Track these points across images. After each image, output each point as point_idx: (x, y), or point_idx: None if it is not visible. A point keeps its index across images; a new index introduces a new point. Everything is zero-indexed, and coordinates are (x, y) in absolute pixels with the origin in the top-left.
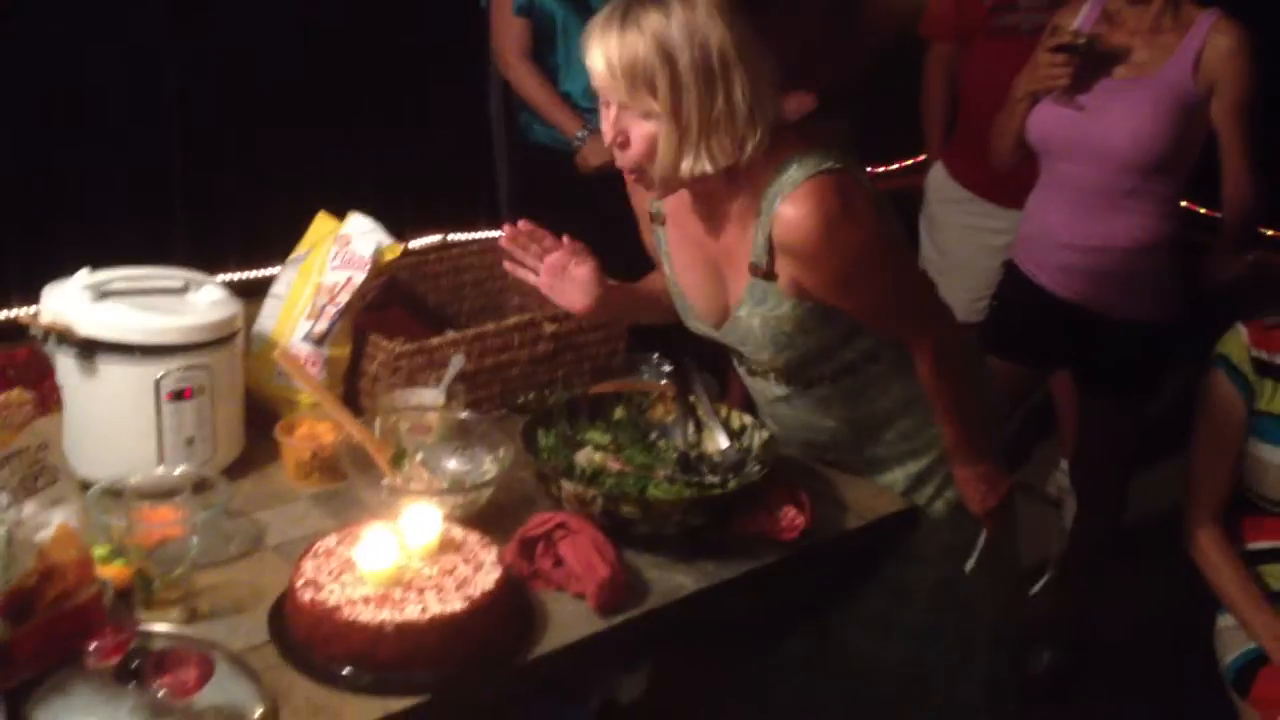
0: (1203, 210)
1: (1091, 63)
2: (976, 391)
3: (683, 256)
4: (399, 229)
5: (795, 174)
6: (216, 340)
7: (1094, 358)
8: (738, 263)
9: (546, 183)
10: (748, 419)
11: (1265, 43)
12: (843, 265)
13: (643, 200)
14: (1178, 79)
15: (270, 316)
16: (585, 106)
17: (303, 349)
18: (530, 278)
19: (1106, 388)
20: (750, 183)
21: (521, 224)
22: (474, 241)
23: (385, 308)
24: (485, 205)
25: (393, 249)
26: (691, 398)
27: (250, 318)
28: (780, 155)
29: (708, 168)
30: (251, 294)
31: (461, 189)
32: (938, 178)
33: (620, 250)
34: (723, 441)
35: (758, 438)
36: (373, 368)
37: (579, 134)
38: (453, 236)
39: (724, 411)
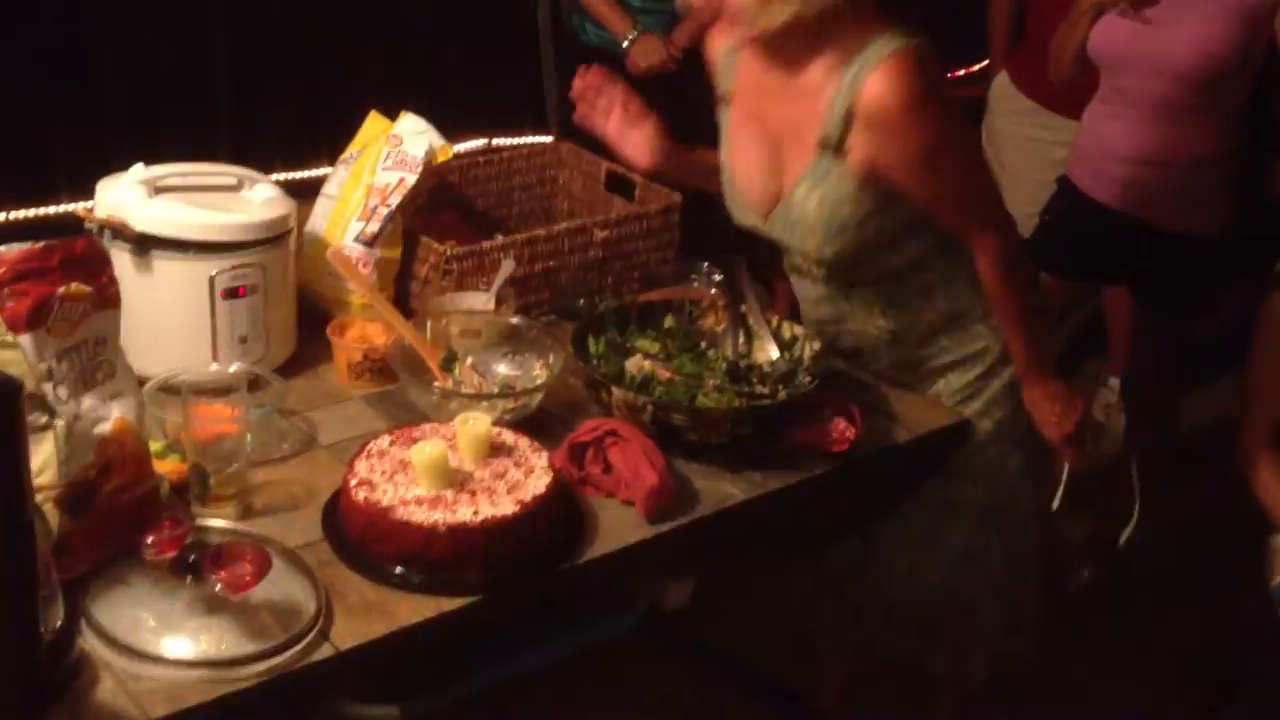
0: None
1: None
2: (1042, 303)
3: (742, 138)
4: (447, 132)
5: (882, 47)
6: (270, 239)
7: (1150, 271)
8: (803, 138)
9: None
10: (799, 329)
11: None
12: (925, 140)
13: (713, 76)
14: None
15: (322, 216)
16: (636, 5)
17: (354, 250)
18: (600, 126)
19: (1163, 301)
20: (834, 51)
21: (593, 72)
22: (523, 146)
23: (436, 210)
24: (533, 110)
25: (445, 150)
26: (743, 307)
27: (301, 219)
28: (865, 29)
29: (791, 14)
30: (299, 195)
31: (509, 93)
32: (1001, 87)
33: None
34: (773, 352)
35: (808, 349)
36: (424, 270)
37: (629, 35)
38: (498, 141)
39: (775, 322)
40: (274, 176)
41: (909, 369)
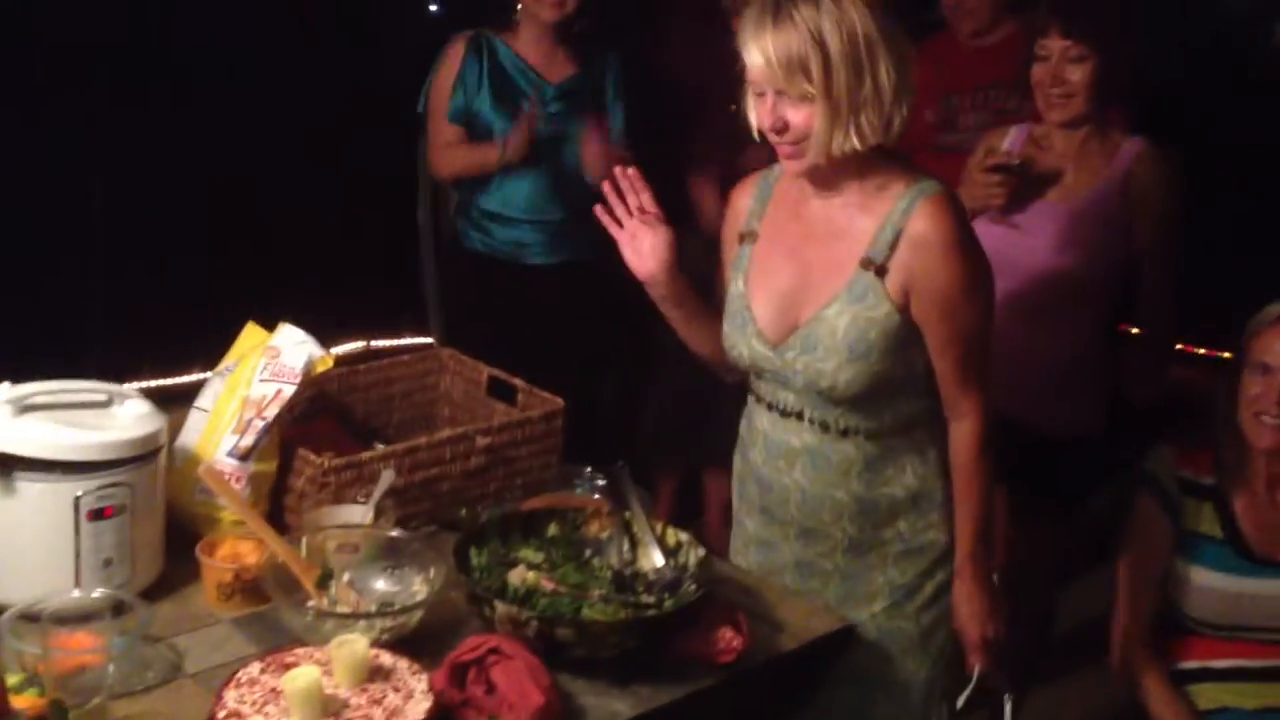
0: (1135, 330)
1: (1023, 183)
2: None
3: (766, 268)
4: (325, 334)
5: (927, 186)
6: (139, 456)
7: (1024, 470)
8: (840, 258)
9: (483, 291)
10: (683, 536)
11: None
12: (962, 273)
13: (735, 223)
14: (1105, 202)
15: (194, 431)
16: (519, 218)
17: (228, 464)
18: (614, 229)
19: (1036, 499)
20: (880, 186)
21: (632, 170)
22: (404, 351)
23: (312, 420)
24: (410, 311)
25: (324, 361)
26: (626, 513)
27: (173, 429)
28: (904, 171)
29: (857, 144)
30: (171, 402)
31: (389, 294)
32: None
33: (560, 348)
34: (658, 559)
35: (693, 555)
36: (300, 483)
37: (499, 145)
38: (377, 343)
39: (659, 528)
40: (144, 384)
41: (858, 554)
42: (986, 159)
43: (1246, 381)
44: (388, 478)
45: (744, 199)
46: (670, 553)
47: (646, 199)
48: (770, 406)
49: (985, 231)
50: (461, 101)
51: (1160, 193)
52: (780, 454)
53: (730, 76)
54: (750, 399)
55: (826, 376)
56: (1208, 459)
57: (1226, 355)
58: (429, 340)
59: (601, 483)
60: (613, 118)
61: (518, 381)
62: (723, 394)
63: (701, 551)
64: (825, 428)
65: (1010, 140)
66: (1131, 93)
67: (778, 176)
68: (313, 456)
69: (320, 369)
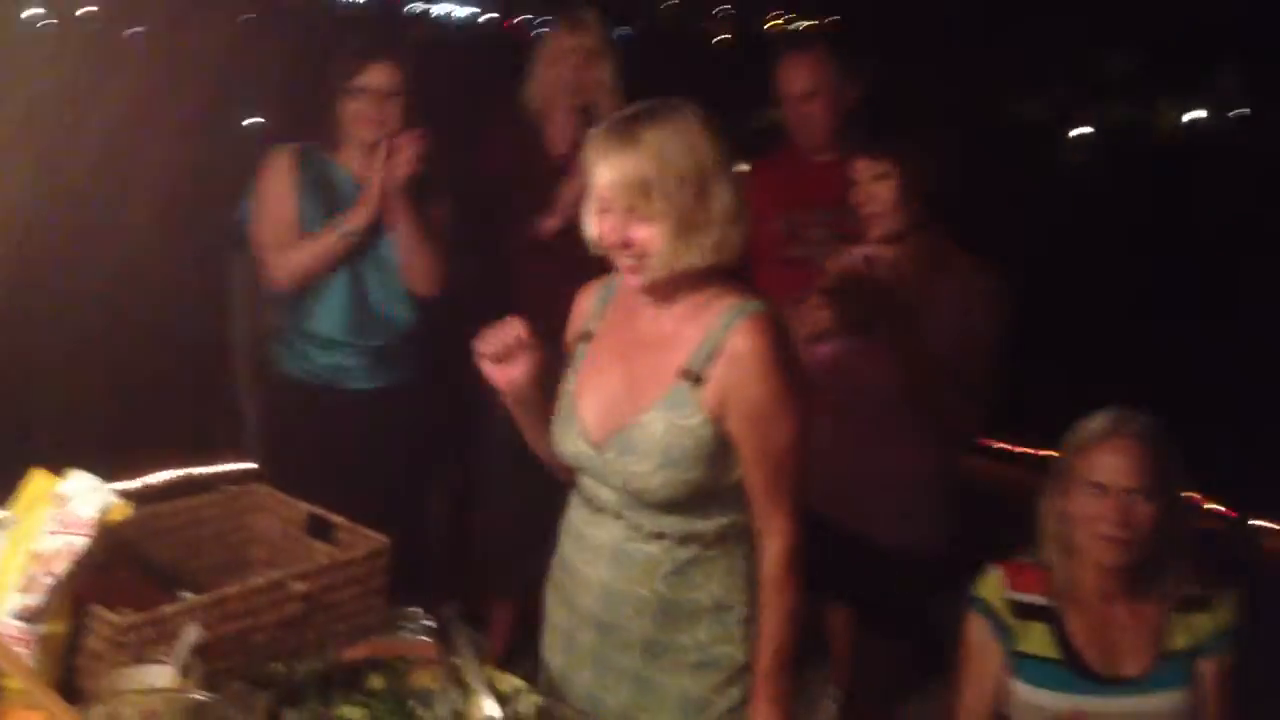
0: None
1: (862, 305)
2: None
3: (596, 370)
4: (136, 464)
5: (749, 305)
6: None
7: (867, 586)
8: (663, 367)
9: (302, 418)
10: (518, 682)
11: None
12: (773, 392)
13: (577, 324)
14: (937, 320)
15: None
16: (340, 340)
17: (12, 627)
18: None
19: (881, 616)
20: (708, 301)
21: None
22: (226, 478)
23: (111, 570)
24: (227, 440)
25: (120, 508)
26: (456, 660)
27: None
28: (732, 287)
29: (696, 262)
30: None
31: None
32: None
33: (384, 475)
34: (491, 709)
35: (529, 702)
36: (95, 644)
37: (340, 225)
38: (197, 470)
39: (490, 674)
40: None
41: (652, 656)
42: (823, 284)
43: (1079, 502)
44: (192, 633)
45: (587, 301)
46: (504, 700)
47: (521, 330)
48: (587, 501)
49: (825, 353)
50: (304, 212)
51: (989, 311)
52: (587, 547)
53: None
54: (573, 493)
55: (640, 479)
56: (1038, 577)
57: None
58: (253, 465)
59: (429, 624)
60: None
61: (338, 519)
62: (558, 514)
63: (537, 698)
64: (637, 528)
65: (849, 262)
66: (940, 206)
67: (618, 284)
68: (107, 613)
69: (116, 517)
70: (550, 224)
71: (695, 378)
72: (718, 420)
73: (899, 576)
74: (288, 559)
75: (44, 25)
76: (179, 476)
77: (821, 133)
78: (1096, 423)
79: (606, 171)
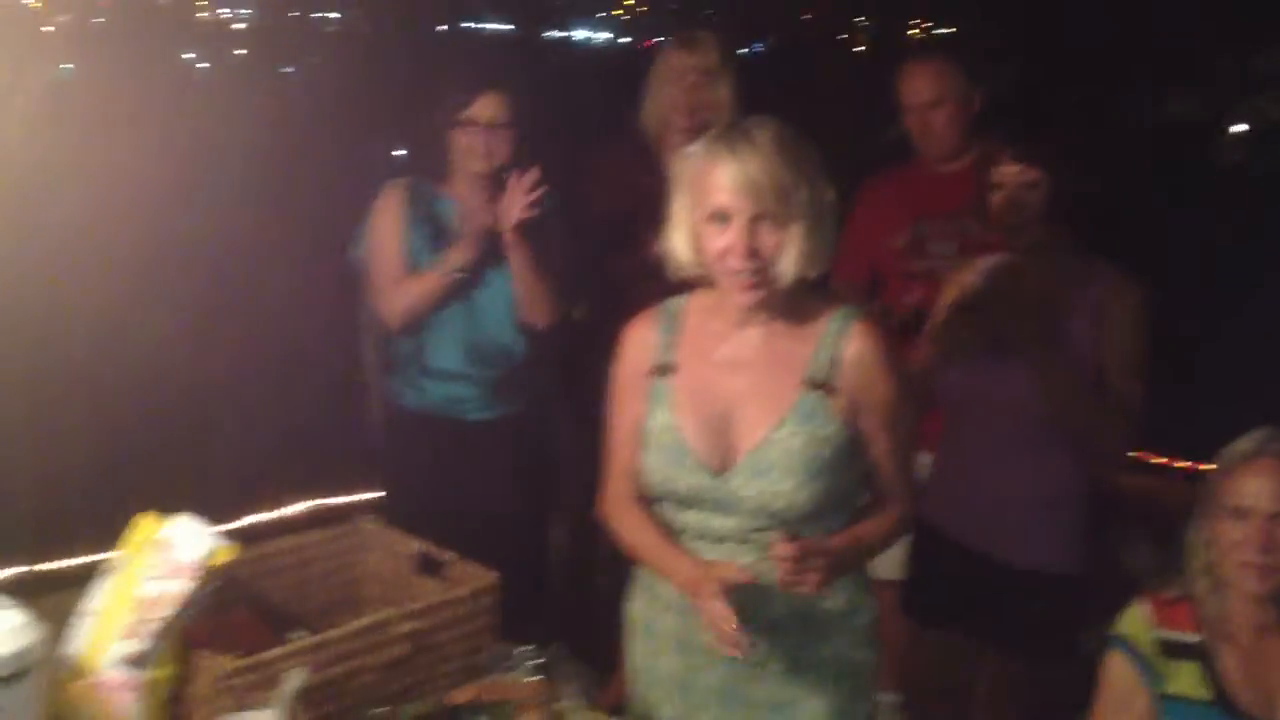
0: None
1: (997, 319)
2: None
3: (696, 396)
4: (272, 495)
5: (852, 312)
6: (9, 677)
7: (1009, 617)
8: (778, 383)
9: (422, 450)
10: None
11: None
12: (897, 388)
13: (641, 358)
14: (1078, 335)
15: (81, 638)
16: (457, 372)
17: (119, 673)
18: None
19: (1021, 652)
20: (812, 303)
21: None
22: (359, 508)
23: (225, 610)
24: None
25: (225, 552)
26: (562, 703)
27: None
28: (825, 300)
29: (821, 268)
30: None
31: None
32: None
33: (504, 506)
34: None
35: None
36: (200, 689)
37: (449, 261)
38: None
39: (597, 718)
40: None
41: (792, 677)
42: (957, 300)
43: (1222, 528)
44: (296, 678)
45: (649, 334)
46: None
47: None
48: (696, 537)
49: (959, 371)
50: (413, 247)
51: (1128, 326)
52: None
53: (656, 209)
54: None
55: (784, 497)
56: (1187, 613)
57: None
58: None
59: (539, 663)
60: (552, 252)
61: (447, 555)
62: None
63: None
64: (767, 549)
65: (979, 274)
66: (1086, 215)
67: (681, 310)
68: (210, 658)
69: (220, 560)
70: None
71: (825, 387)
72: (850, 424)
73: (1044, 603)
74: (397, 597)
75: (200, 68)
76: (318, 507)
77: (946, 142)
78: (1242, 444)
79: (729, 177)
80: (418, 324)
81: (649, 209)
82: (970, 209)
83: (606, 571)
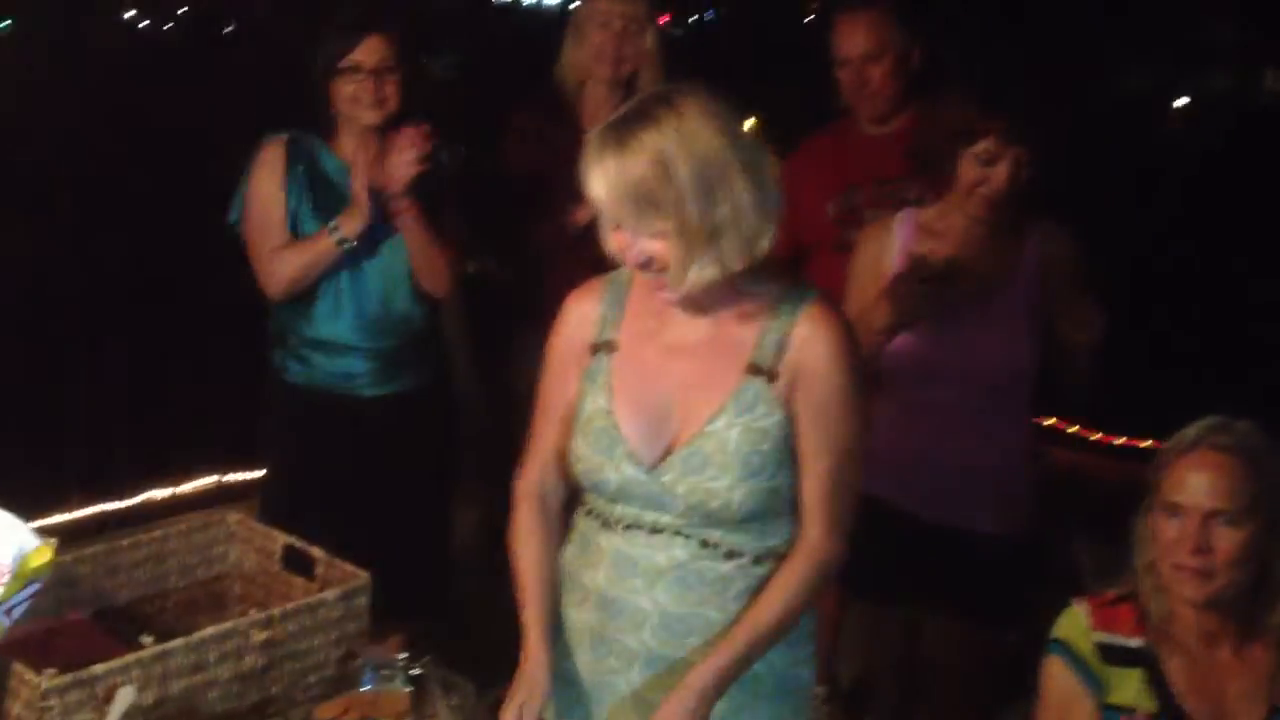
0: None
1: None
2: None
3: (633, 380)
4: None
5: (805, 292)
6: None
7: (958, 586)
8: (720, 369)
9: (309, 429)
10: None
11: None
12: (846, 385)
13: (582, 332)
14: (1026, 289)
15: None
16: (348, 344)
17: None
18: None
19: (967, 619)
20: (763, 287)
21: None
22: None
23: (60, 616)
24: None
25: (40, 552)
26: (432, 715)
27: None
28: (777, 278)
29: (717, 273)
30: None
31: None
32: None
33: (394, 491)
34: None
35: None
36: (15, 708)
37: (333, 229)
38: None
39: None
40: None
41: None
42: (914, 270)
43: (1160, 525)
44: (126, 696)
45: (591, 305)
46: None
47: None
48: (629, 528)
49: (907, 341)
50: (293, 209)
51: (1075, 273)
52: (637, 573)
53: (571, 171)
54: (587, 521)
55: (718, 496)
56: (1130, 615)
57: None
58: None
59: (414, 673)
60: (449, 214)
61: (316, 552)
62: None
63: None
64: (704, 545)
65: (899, 232)
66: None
67: (628, 282)
68: (29, 674)
69: (36, 562)
70: (582, 214)
71: (766, 373)
72: (792, 416)
73: (996, 567)
74: (263, 597)
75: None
76: (217, 484)
77: (882, 100)
78: (1185, 432)
79: (601, 184)
80: (301, 292)
81: (566, 167)
82: (908, 173)
83: None
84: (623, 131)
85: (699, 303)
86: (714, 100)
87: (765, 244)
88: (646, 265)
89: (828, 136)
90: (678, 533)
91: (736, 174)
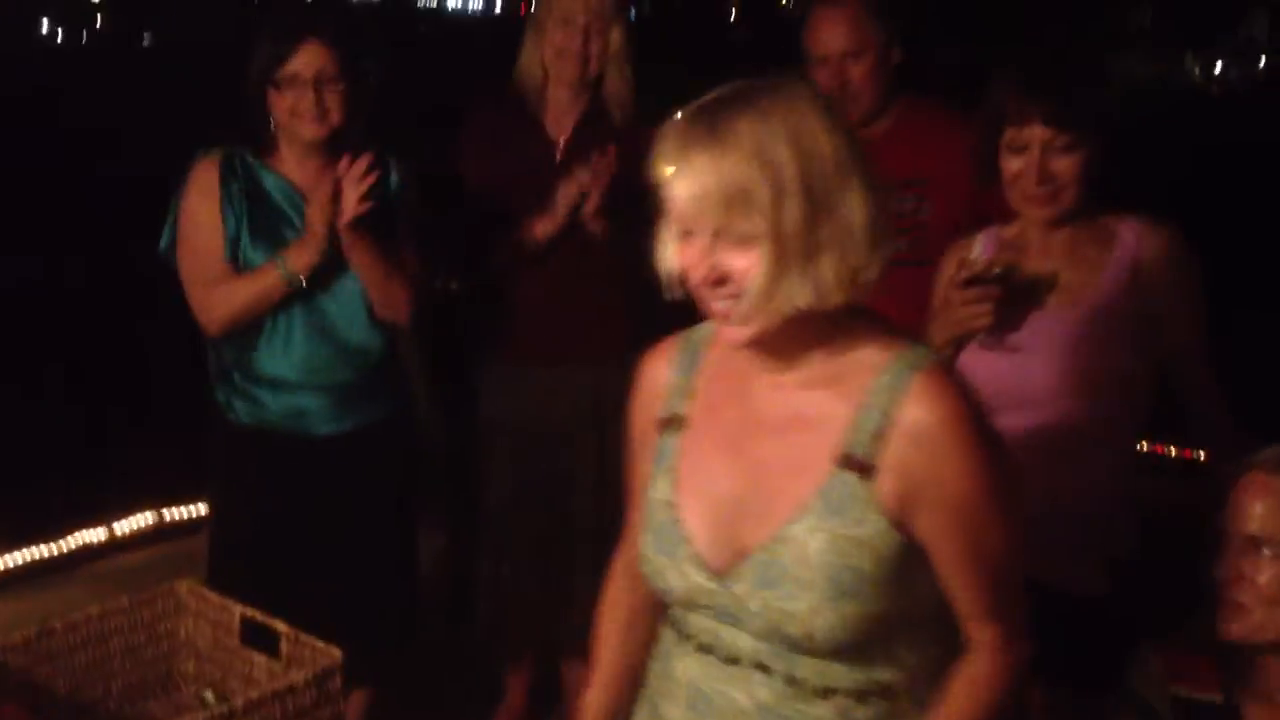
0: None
1: (1012, 294)
2: None
3: (702, 465)
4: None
5: (913, 356)
6: None
7: (1050, 647)
8: (806, 456)
9: (257, 471)
10: None
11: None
12: (983, 474)
13: (650, 405)
14: (1117, 299)
15: None
16: (298, 381)
17: None
18: None
19: (1068, 683)
20: (863, 342)
21: None
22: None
23: None
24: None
25: None
26: None
27: None
28: (876, 335)
29: (813, 301)
30: None
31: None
32: None
33: (345, 532)
34: None
35: None
36: None
37: (280, 264)
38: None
39: None
40: None
41: None
42: (960, 273)
43: (1240, 563)
44: None
45: (661, 371)
46: None
47: None
48: (704, 649)
49: (977, 362)
50: (231, 233)
51: (1180, 276)
52: (714, 711)
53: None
54: (667, 633)
55: (797, 622)
56: (1208, 668)
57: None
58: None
59: None
60: (402, 239)
61: (281, 626)
62: (578, 563)
63: None
64: (792, 682)
65: (980, 247)
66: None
67: (706, 340)
68: None
69: None
70: (544, 228)
71: (863, 467)
72: (901, 524)
73: (1085, 624)
74: (220, 675)
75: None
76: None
77: (865, 101)
78: (1264, 453)
79: (686, 181)
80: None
81: (528, 176)
82: (899, 180)
83: (487, 596)
84: (717, 116)
85: (781, 356)
86: (825, 98)
87: (870, 278)
88: (720, 283)
89: None
90: (758, 665)
91: (852, 186)
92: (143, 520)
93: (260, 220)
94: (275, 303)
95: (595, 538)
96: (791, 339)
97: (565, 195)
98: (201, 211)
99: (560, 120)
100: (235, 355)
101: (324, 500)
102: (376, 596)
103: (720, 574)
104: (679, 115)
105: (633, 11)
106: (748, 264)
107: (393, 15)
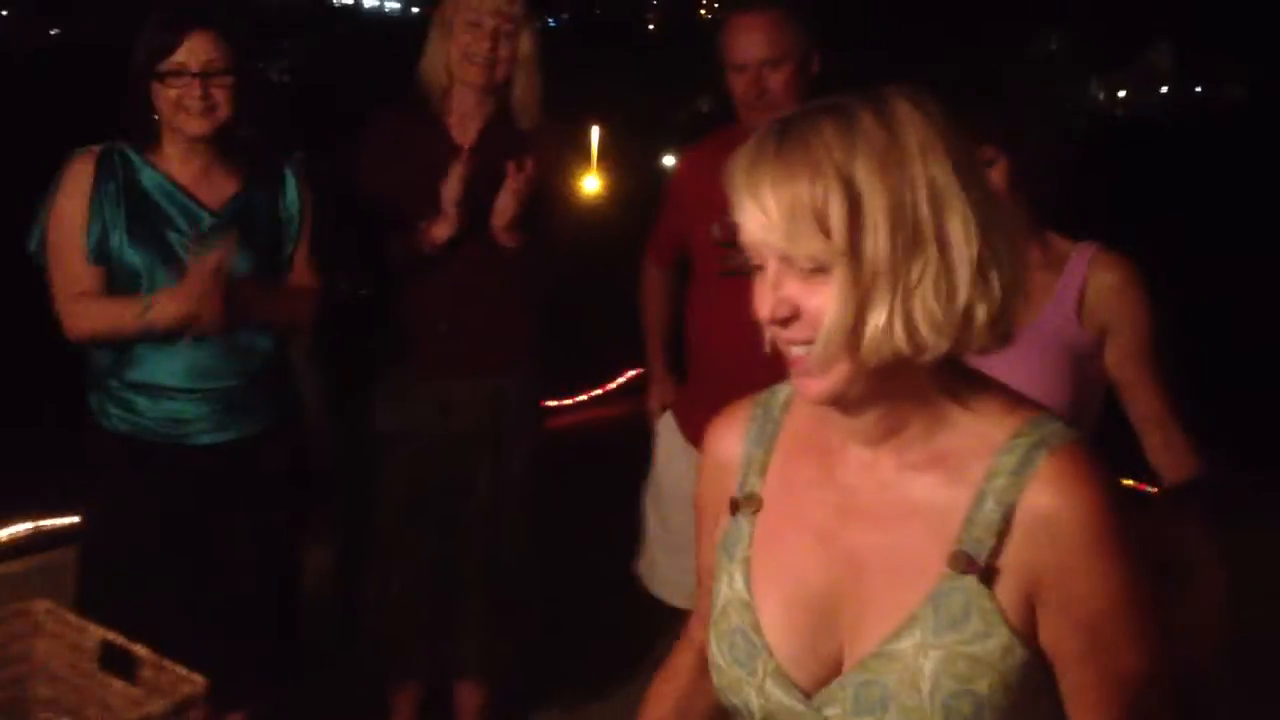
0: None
1: None
2: None
3: (783, 557)
4: None
5: (1055, 424)
6: None
7: None
8: (912, 551)
9: (130, 483)
10: None
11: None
12: (1125, 581)
13: (722, 481)
14: (1060, 324)
15: None
16: (179, 387)
17: None
18: None
19: None
20: (979, 409)
21: None
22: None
23: None
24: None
25: None
26: None
27: None
28: (992, 401)
29: (906, 350)
30: None
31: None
32: (668, 432)
33: (225, 549)
34: None
35: None
36: None
37: (146, 305)
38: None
39: None
40: None
41: None
42: None
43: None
44: None
45: (731, 441)
46: None
47: None
48: None
49: None
50: (99, 235)
51: (1125, 306)
52: None
53: (435, 185)
54: None
55: None
56: None
57: None
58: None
59: None
60: (286, 241)
61: (140, 650)
62: (470, 582)
63: None
64: None
65: None
66: (1054, 193)
67: (783, 405)
68: None
69: None
70: (439, 232)
71: (981, 569)
72: (1029, 636)
73: None
74: (76, 701)
75: None
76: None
77: (782, 111)
78: None
79: (750, 203)
80: None
81: (427, 177)
82: None
83: (376, 615)
84: (789, 131)
85: (875, 424)
86: (933, 109)
87: (982, 326)
88: (790, 320)
89: (714, 147)
90: None
91: (957, 205)
92: (18, 529)
93: (139, 219)
94: (139, 335)
95: (488, 556)
96: (887, 401)
97: (449, 196)
98: (70, 212)
99: (464, 124)
100: (111, 359)
101: (201, 515)
102: (255, 617)
103: (807, 694)
104: (765, 126)
105: (551, 20)
106: (822, 300)
107: (308, 13)
